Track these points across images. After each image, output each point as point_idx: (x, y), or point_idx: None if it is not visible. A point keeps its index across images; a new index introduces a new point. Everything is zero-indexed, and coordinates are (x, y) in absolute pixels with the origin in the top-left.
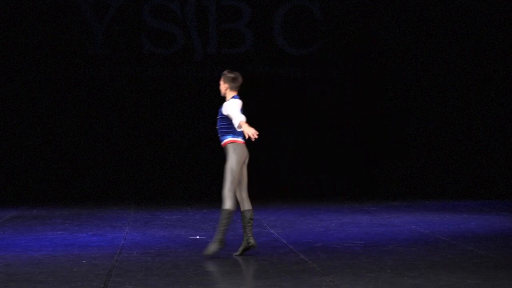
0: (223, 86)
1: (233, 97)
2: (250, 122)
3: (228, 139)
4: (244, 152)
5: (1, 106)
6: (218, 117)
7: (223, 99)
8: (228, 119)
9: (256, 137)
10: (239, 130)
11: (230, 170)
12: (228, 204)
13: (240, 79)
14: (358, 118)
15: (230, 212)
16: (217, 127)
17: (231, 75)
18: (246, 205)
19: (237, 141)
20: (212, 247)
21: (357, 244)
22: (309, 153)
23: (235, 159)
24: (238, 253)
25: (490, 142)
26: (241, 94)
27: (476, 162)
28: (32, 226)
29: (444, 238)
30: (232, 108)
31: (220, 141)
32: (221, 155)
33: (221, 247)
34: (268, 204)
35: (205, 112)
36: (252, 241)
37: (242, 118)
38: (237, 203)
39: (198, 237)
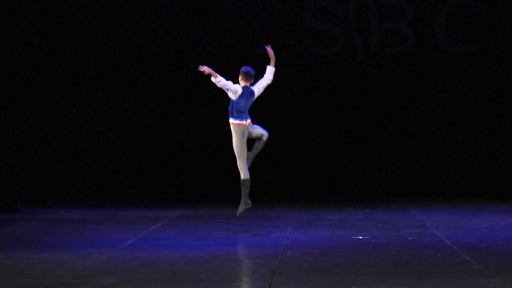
0: (239, 79)
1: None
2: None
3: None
4: (243, 130)
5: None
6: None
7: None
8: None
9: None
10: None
11: (235, 148)
12: (242, 175)
13: (253, 75)
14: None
15: (245, 180)
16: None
17: (244, 70)
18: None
19: (235, 123)
20: (241, 208)
21: None
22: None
23: (235, 138)
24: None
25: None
26: (399, 94)
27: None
28: (196, 225)
29: None
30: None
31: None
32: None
33: (247, 206)
34: (431, 205)
35: (370, 109)
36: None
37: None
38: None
39: (360, 237)
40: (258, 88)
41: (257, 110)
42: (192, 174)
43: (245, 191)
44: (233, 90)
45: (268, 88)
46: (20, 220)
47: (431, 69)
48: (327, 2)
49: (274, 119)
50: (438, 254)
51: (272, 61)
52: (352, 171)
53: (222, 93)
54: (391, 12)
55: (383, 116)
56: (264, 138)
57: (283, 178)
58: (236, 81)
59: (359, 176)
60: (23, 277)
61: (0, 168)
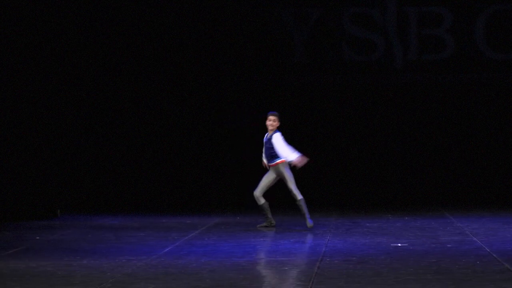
0: (276, 124)
1: (277, 131)
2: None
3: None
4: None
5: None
6: (269, 145)
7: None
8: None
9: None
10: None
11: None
12: (299, 196)
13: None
14: None
15: (301, 200)
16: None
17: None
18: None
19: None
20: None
21: None
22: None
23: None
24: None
25: None
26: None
27: None
28: (235, 232)
29: None
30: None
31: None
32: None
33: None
34: (470, 212)
35: (409, 116)
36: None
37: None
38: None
39: (399, 244)
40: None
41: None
42: (230, 181)
43: (304, 210)
44: None
45: (305, 96)
46: (60, 227)
47: (470, 76)
48: (366, 9)
49: (314, 126)
50: (478, 262)
51: (295, 161)
52: (391, 178)
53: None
54: (430, 19)
55: (422, 123)
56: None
57: (322, 186)
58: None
59: (398, 183)
60: (63, 284)
61: (40, 175)
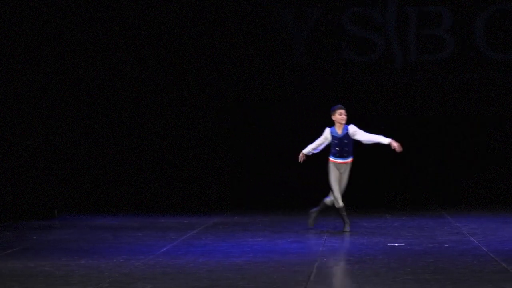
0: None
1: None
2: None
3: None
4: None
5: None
6: (346, 141)
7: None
8: None
9: None
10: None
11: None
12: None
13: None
14: None
15: (341, 208)
16: (346, 149)
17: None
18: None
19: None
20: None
21: None
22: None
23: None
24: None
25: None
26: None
27: None
28: (233, 232)
29: None
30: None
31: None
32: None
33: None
34: (469, 212)
35: (408, 116)
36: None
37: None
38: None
39: (397, 244)
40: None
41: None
42: (228, 181)
43: (344, 216)
44: (323, 140)
45: (305, 95)
46: (58, 227)
47: (471, 76)
48: (366, 9)
49: (310, 124)
50: (475, 262)
51: (393, 143)
52: (390, 178)
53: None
54: (430, 19)
55: (420, 123)
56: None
57: (319, 185)
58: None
59: (396, 183)
60: (61, 283)
61: (37, 175)
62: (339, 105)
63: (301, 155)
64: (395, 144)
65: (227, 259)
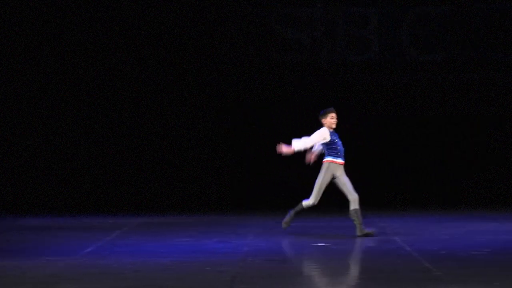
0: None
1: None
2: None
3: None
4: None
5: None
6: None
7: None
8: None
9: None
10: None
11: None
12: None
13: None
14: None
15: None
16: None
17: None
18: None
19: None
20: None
21: (484, 252)
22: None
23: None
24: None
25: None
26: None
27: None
28: (159, 232)
29: None
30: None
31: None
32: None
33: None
34: (393, 212)
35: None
36: None
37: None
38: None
39: (321, 244)
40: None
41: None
42: (156, 181)
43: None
44: (321, 139)
45: (228, 99)
46: None
47: (396, 76)
48: (293, 9)
49: (232, 127)
50: (398, 261)
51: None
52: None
53: None
54: (357, 20)
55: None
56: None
57: (247, 185)
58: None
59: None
60: None
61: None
62: (331, 108)
63: (312, 156)
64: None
65: (153, 259)
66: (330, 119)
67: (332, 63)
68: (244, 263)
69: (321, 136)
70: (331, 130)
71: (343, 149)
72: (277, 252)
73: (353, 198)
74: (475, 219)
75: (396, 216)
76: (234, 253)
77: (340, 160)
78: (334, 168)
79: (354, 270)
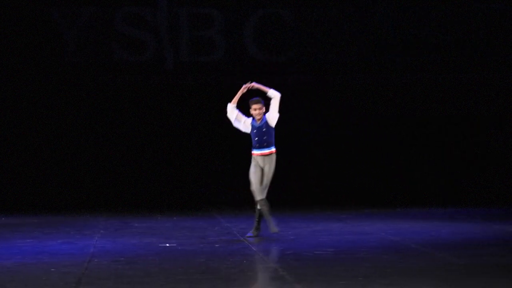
0: (263, 110)
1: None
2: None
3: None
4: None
5: None
6: (264, 129)
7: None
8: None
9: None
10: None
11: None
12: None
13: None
14: (328, 127)
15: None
16: (264, 138)
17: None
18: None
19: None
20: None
21: (328, 251)
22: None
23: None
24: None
25: (459, 150)
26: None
27: (447, 170)
28: (1, 234)
29: (416, 246)
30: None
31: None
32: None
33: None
34: (238, 212)
35: (175, 120)
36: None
37: None
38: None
39: (168, 244)
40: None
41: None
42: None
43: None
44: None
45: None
46: None
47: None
48: (137, 9)
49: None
50: (245, 261)
51: (264, 88)
52: (161, 179)
53: None
54: (202, 20)
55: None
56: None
57: (91, 185)
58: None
59: (167, 183)
60: None
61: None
62: (256, 98)
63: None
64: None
65: None
66: (253, 111)
67: (177, 64)
68: (90, 264)
69: (243, 119)
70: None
71: (267, 137)
72: (124, 253)
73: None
74: (320, 219)
75: (241, 217)
76: (79, 254)
77: (256, 151)
78: (252, 159)
79: (201, 270)
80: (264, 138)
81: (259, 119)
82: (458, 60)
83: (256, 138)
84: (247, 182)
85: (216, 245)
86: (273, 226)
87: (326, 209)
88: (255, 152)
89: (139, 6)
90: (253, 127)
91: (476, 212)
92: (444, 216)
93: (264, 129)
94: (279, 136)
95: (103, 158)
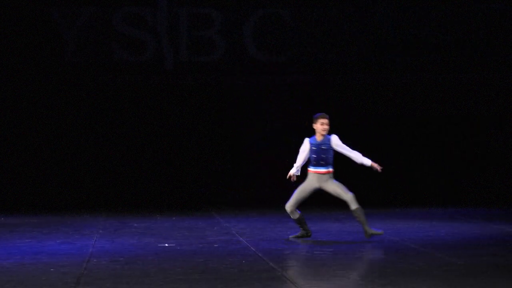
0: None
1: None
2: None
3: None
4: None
5: None
6: (324, 147)
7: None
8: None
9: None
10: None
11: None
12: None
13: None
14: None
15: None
16: (323, 156)
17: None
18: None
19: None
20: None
21: (327, 251)
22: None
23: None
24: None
25: (459, 150)
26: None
27: (446, 170)
28: (0, 234)
29: (415, 246)
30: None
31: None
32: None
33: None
34: (238, 212)
35: (174, 120)
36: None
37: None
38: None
39: (167, 244)
40: (338, 146)
41: None
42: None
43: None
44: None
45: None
46: None
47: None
48: (137, 9)
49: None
50: (244, 261)
51: (370, 164)
52: (161, 179)
53: None
54: (201, 20)
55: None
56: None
57: (90, 185)
58: None
59: (167, 183)
60: None
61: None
62: (322, 113)
63: (292, 176)
64: (376, 166)
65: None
66: (320, 125)
67: (177, 64)
68: (88, 264)
69: (301, 150)
70: (322, 136)
71: (326, 156)
72: (123, 253)
73: (349, 198)
74: (318, 219)
75: (241, 217)
76: (78, 254)
77: (313, 169)
78: (308, 176)
79: (200, 270)
80: (323, 156)
81: (322, 135)
82: (458, 60)
83: (314, 156)
84: (247, 182)
85: (215, 245)
86: (370, 230)
87: (324, 209)
88: (311, 169)
89: (138, 6)
90: (311, 144)
91: (476, 212)
92: (444, 216)
93: (323, 147)
94: (279, 135)
95: (102, 158)
